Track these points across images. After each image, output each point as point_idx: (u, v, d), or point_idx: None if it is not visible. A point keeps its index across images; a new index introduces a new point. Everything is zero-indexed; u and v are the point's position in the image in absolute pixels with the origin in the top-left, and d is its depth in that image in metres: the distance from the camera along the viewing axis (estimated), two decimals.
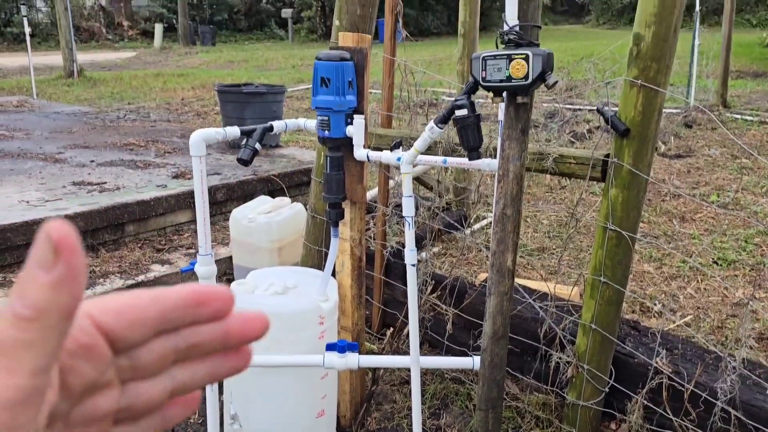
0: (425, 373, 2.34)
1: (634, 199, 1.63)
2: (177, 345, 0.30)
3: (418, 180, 3.52)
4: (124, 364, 0.29)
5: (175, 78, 11.82)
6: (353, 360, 1.81)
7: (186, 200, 3.55)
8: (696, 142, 5.69)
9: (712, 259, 3.22)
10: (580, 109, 6.53)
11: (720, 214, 3.84)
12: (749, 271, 3.08)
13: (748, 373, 1.67)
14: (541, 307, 2.11)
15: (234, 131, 1.80)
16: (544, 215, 4.04)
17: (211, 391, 1.83)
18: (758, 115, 6.67)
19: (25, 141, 5.11)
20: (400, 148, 1.77)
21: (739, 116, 6.60)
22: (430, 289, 2.44)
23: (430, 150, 2.19)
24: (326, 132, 1.82)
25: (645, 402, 1.79)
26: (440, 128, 1.59)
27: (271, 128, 1.92)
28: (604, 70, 2.06)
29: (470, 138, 1.53)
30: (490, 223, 3.93)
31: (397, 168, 1.75)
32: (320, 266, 2.45)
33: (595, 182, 4.41)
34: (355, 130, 1.82)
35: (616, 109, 1.66)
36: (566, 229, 3.74)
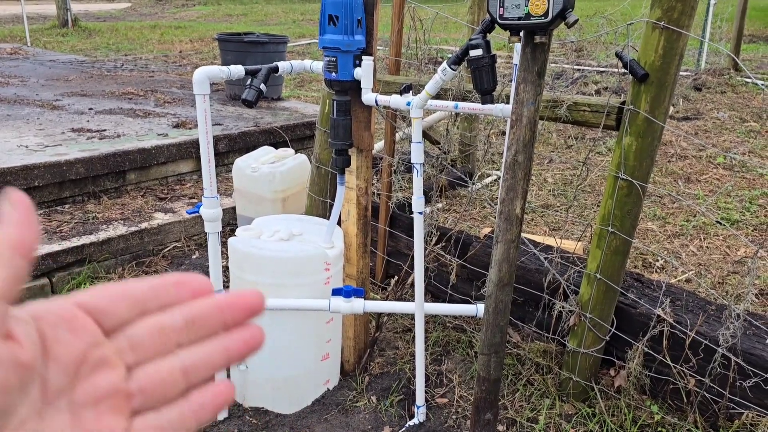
0: (427, 321, 2.36)
1: (648, 147, 1.61)
2: (171, 322, 0.30)
3: (424, 135, 3.47)
4: (123, 345, 0.29)
5: (172, 30, 11.56)
6: (359, 305, 1.82)
7: (188, 150, 3.51)
8: (705, 105, 5.63)
9: (716, 218, 3.22)
10: (588, 70, 6.41)
11: (726, 176, 3.82)
12: (752, 230, 3.09)
13: (752, 320, 1.69)
14: (545, 258, 2.11)
15: (238, 70, 1.76)
16: (549, 173, 4.01)
17: None
18: None
19: (21, 88, 5.01)
20: (410, 92, 1.73)
21: (750, 80, 6.50)
22: (434, 240, 2.44)
23: (438, 98, 2.15)
24: (333, 74, 1.78)
25: (645, 349, 1.81)
26: (453, 69, 1.55)
27: (276, 69, 1.87)
28: (617, 26, 2.00)
29: (484, 80, 1.49)
30: (495, 180, 3.91)
31: (405, 116, 1.72)
32: (325, 217, 2.44)
33: (601, 142, 4.37)
34: (364, 73, 1.77)
35: (633, 60, 1.62)
36: (571, 188, 3.72)
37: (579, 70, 6.33)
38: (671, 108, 5.47)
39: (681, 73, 6.87)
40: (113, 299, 0.29)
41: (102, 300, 0.28)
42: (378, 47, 1.93)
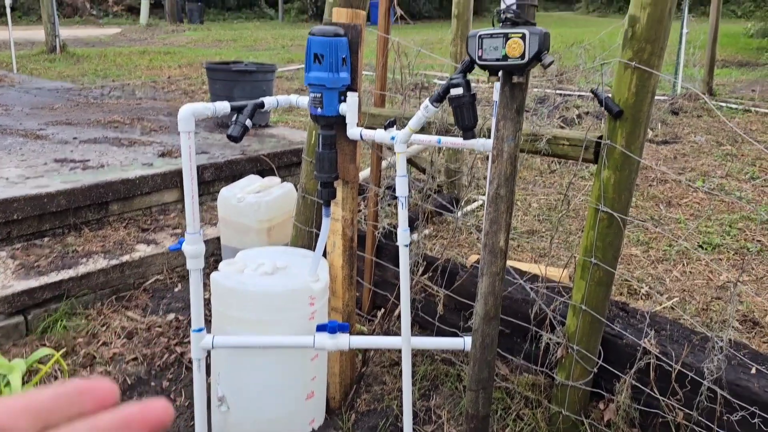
0: (415, 354, 2.34)
1: (626, 180, 1.63)
2: None
3: (410, 162, 3.49)
4: None
5: (161, 56, 11.59)
6: (344, 341, 1.80)
7: (173, 179, 3.50)
8: (682, 129, 5.74)
9: (698, 243, 3.26)
10: (570, 95, 6.52)
11: (705, 200, 3.87)
12: (733, 254, 3.12)
13: (734, 353, 1.70)
14: (531, 289, 2.12)
15: (224, 106, 1.76)
16: (534, 198, 4.04)
17: (198, 372, 1.81)
18: (742, 104, 6.75)
19: (4, 117, 4.98)
20: (394, 126, 1.75)
21: (724, 104, 6.66)
22: (421, 270, 2.44)
23: (423, 130, 2.16)
24: (319, 109, 1.79)
25: (633, 382, 1.81)
26: (435, 107, 1.56)
27: (262, 104, 1.88)
28: (595, 56, 2.04)
29: (465, 117, 1.51)
30: (481, 205, 3.93)
31: (391, 148, 1.73)
32: (310, 247, 2.43)
33: (585, 167, 4.43)
34: (349, 108, 1.79)
35: (610, 94, 1.65)
36: (556, 213, 3.75)
37: (561, 95, 6.43)
38: (650, 132, 5.57)
39: (658, 97, 7.03)
40: (14, 414, 0.28)
41: (2, 416, 0.28)
42: (364, 71, 1.95)
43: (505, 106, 1.47)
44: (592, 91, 1.60)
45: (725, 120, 2.10)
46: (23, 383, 1.82)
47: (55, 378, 2.22)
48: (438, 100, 1.55)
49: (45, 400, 0.29)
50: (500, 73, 1.41)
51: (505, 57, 1.32)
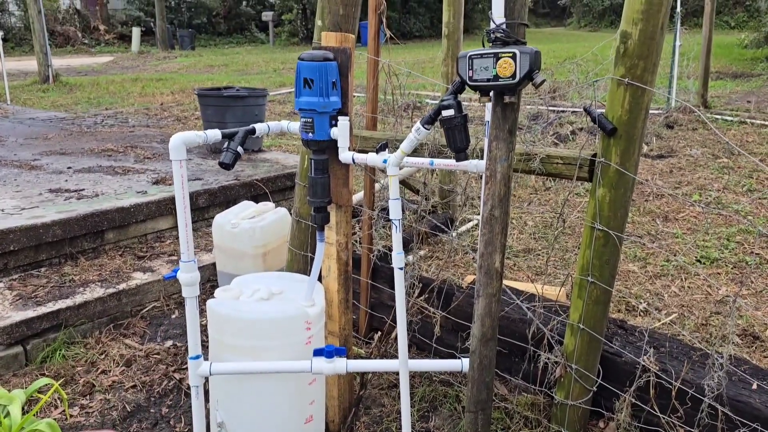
0: (414, 376, 2.31)
1: (621, 198, 1.63)
2: None
3: (403, 183, 3.50)
4: None
5: (153, 83, 11.67)
6: (341, 365, 1.78)
7: (167, 206, 3.49)
8: (677, 142, 5.78)
9: (695, 257, 3.26)
10: (563, 111, 6.58)
11: (702, 213, 3.88)
12: (731, 268, 3.12)
13: (735, 369, 1.68)
14: (528, 308, 2.10)
15: (215, 134, 1.77)
16: (530, 217, 4.05)
17: (196, 399, 1.79)
18: (738, 116, 6.79)
19: None
20: (386, 150, 1.76)
21: (719, 117, 6.71)
22: (417, 292, 2.42)
23: (416, 152, 2.17)
24: (310, 134, 1.80)
25: (633, 400, 1.79)
26: (427, 129, 1.57)
27: (253, 131, 1.88)
28: (587, 71, 2.07)
29: (457, 139, 1.51)
30: (476, 225, 3.93)
31: (383, 171, 1.73)
32: (306, 271, 2.42)
33: (580, 184, 4.45)
34: (340, 132, 1.80)
35: (603, 110, 1.66)
36: (551, 231, 3.75)
37: (554, 111, 6.49)
38: (645, 147, 5.61)
39: (652, 111, 7.09)
40: None
41: None
42: (355, 93, 1.96)
43: (497, 126, 1.48)
44: (585, 109, 1.61)
45: (720, 134, 2.12)
46: (23, 413, 1.79)
47: (55, 407, 2.19)
48: (429, 122, 1.56)
49: None
50: (491, 94, 1.42)
51: (496, 77, 1.33)
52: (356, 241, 2.71)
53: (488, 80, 1.36)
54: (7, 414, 1.77)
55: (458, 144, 1.51)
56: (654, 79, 1.55)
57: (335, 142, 1.82)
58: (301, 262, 2.53)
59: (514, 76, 1.32)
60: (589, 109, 1.60)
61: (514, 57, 1.31)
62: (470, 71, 1.38)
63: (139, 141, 5.44)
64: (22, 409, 1.82)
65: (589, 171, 1.70)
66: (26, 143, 5.25)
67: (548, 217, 4.01)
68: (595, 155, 1.68)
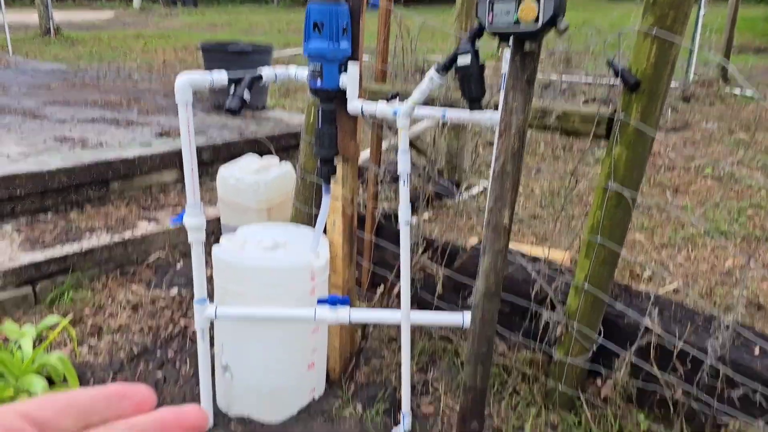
0: (413, 331, 2.33)
1: (638, 157, 1.60)
2: None
3: (411, 145, 3.46)
4: None
5: (156, 39, 11.48)
6: (344, 314, 1.78)
7: (171, 159, 3.46)
8: (693, 116, 5.68)
9: (704, 229, 3.23)
10: (576, 82, 6.46)
11: (714, 187, 3.84)
12: (740, 241, 3.10)
13: (742, 328, 1.68)
14: (533, 269, 2.10)
15: (221, 77, 1.73)
16: (537, 184, 4.02)
17: (202, 341, 1.80)
18: (758, 90, 6.60)
19: (2, 96, 4.93)
20: (397, 100, 1.71)
21: (738, 92, 6.57)
22: (421, 250, 2.42)
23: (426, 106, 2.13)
24: (318, 82, 1.75)
25: (632, 360, 1.80)
26: (441, 77, 1.53)
27: (260, 77, 1.84)
28: (605, 38, 2.00)
29: (472, 88, 1.47)
30: (482, 191, 3.90)
31: (392, 126, 1.70)
32: (310, 227, 2.40)
33: (591, 153, 4.39)
34: (349, 80, 1.75)
35: (624, 68, 1.61)
36: (558, 199, 3.72)
37: (567, 81, 6.37)
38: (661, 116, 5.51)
39: (672, 79, 6.94)
40: (59, 411, 0.29)
41: (48, 412, 0.28)
42: (364, 57, 1.91)
43: (515, 76, 1.44)
44: (608, 62, 1.56)
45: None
46: (34, 348, 1.82)
47: (65, 345, 2.22)
48: (444, 69, 1.51)
49: (87, 401, 0.30)
50: (511, 41, 1.37)
51: (518, 22, 1.28)
52: (360, 201, 2.69)
53: (509, 25, 1.31)
54: (19, 347, 1.80)
55: (473, 93, 1.47)
56: (684, 31, 1.49)
57: (344, 91, 1.77)
58: (305, 218, 2.51)
59: (537, 20, 1.27)
60: (613, 62, 1.55)
61: (538, 0, 1.25)
62: (490, 15, 1.33)
63: (142, 95, 5.37)
64: (33, 344, 1.85)
65: (606, 128, 1.66)
66: (30, 93, 5.19)
67: (556, 185, 3.98)
68: (614, 112, 1.63)
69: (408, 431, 1.85)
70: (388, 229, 2.63)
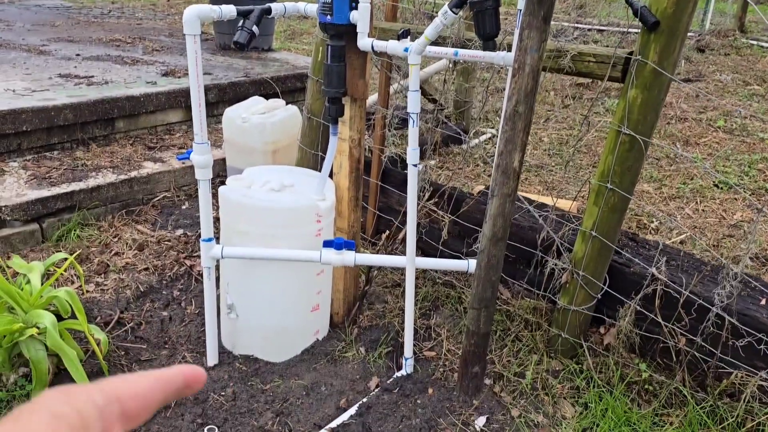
0: (417, 277, 2.34)
1: (654, 100, 1.56)
2: None
3: (420, 88, 3.40)
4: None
5: None
6: (350, 257, 1.79)
7: (177, 99, 3.41)
8: (707, 67, 5.52)
9: (713, 182, 3.20)
10: (588, 29, 6.27)
11: (725, 139, 3.77)
12: (750, 194, 3.07)
13: (750, 279, 1.67)
14: (539, 216, 2.09)
15: (230, 9, 1.67)
16: (545, 132, 3.95)
17: (208, 280, 1.82)
18: None
19: (6, 32, 4.83)
20: (408, 38, 1.66)
21: (755, 42, 6.37)
22: (427, 195, 2.40)
23: (437, 45, 2.06)
24: (328, 17, 1.70)
25: (637, 308, 1.80)
26: (455, 13, 1.47)
27: (269, 10, 1.78)
28: None
29: (487, 24, 1.42)
30: (490, 138, 3.85)
31: (401, 67, 1.65)
32: (316, 170, 2.39)
33: (600, 102, 4.30)
34: (360, 16, 1.69)
35: (644, 7, 1.54)
36: (567, 148, 3.67)
37: (579, 28, 6.18)
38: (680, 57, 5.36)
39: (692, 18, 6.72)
40: (144, 410, 0.33)
41: (139, 413, 0.33)
42: None
43: (531, 12, 1.38)
44: (627, 1, 1.49)
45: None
46: (42, 284, 1.85)
47: (72, 282, 2.25)
48: (458, 5, 1.46)
49: (172, 389, 0.35)
50: None
51: None
52: (366, 146, 2.66)
53: None
54: (28, 282, 1.82)
55: (488, 30, 1.42)
56: None
57: (354, 27, 1.72)
58: (311, 160, 2.49)
59: None
60: (631, 0, 1.48)
61: None
62: None
63: (147, 33, 5.26)
64: (41, 280, 1.87)
65: (622, 71, 1.61)
66: (34, 29, 5.08)
67: (564, 134, 3.92)
68: (631, 53, 1.58)
69: (410, 374, 1.89)
70: (394, 174, 2.61)
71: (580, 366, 1.90)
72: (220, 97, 3.66)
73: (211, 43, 4.91)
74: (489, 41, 1.44)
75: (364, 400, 1.77)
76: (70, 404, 0.30)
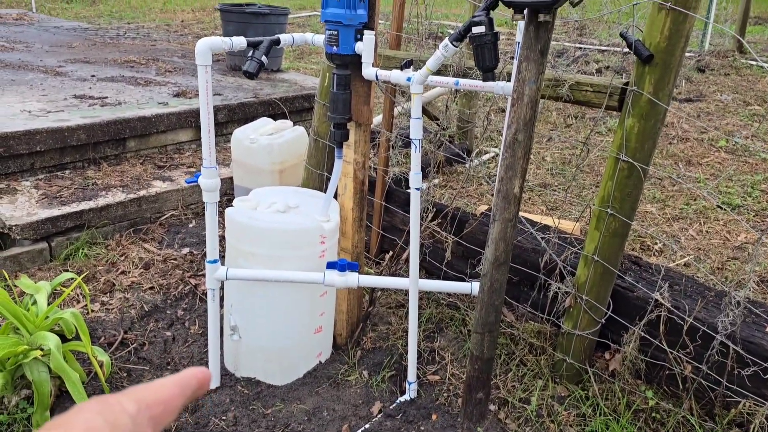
0: (421, 298, 2.37)
1: (650, 129, 1.59)
2: None
3: (423, 110, 3.44)
4: None
5: None
6: (353, 279, 1.82)
7: (187, 119, 3.49)
8: (708, 87, 5.55)
9: (717, 203, 3.20)
10: (589, 49, 6.32)
11: (727, 160, 3.78)
12: (753, 216, 3.07)
13: (752, 307, 1.68)
14: (542, 238, 2.11)
15: (240, 41, 1.73)
16: (548, 152, 3.98)
17: (212, 301, 1.85)
18: None
19: (25, 53, 4.96)
20: (411, 67, 1.71)
21: (754, 63, 6.40)
22: (431, 216, 2.43)
23: (439, 75, 2.11)
24: (334, 48, 1.75)
25: (641, 334, 1.81)
26: (455, 46, 1.52)
27: (278, 41, 1.84)
28: (620, 7, 1.96)
29: (486, 57, 1.46)
30: (493, 157, 3.88)
31: (405, 92, 1.70)
32: (321, 190, 2.43)
33: (602, 123, 4.33)
34: (365, 47, 1.75)
35: (638, 41, 1.58)
36: (569, 167, 3.70)
37: (581, 48, 6.23)
38: (674, 90, 5.39)
39: (685, 52, 6.76)
40: (168, 416, 0.36)
41: (163, 417, 0.36)
42: (379, 21, 1.90)
43: (529, 47, 1.42)
44: (621, 35, 1.53)
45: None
46: (48, 304, 1.88)
47: (78, 302, 2.30)
48: (458, 39, 1.50)
49: (189, 394, 0.39)
50: (525, 12, 1.35)
51: None
52: (371, 165, 2.70)
53: None
54: (34, 302, 1.86)
55: (487, 62, 1.46)
56: (698, 6, 1.46)
57: (359, 57, 1.77)
58: (317, 180, 2.54)
59: None
60: (626, 34, 1.53)
61: None
62: None
63: (160, 54, 5.37)
64: (47, 300, 1.91)
65: (619, 100, 1.65)
66: (51, 50, 5.21)
67: (567, 154, 3.94)
68: (627, 84, 1.62)
69: (413, 399, 1.90)
70: (398, 194, 2.65)
71: (585, 392, 1.88)
72: (230, 117, 3.73)
73: (222, 63, 5.01)
74: (488, 73, 1.48)
75: (367, 426, 1.78)
76: (105, 416, 0.31)
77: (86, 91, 3.75)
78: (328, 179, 2.21)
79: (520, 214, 2.51)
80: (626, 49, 1.56)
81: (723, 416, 1.72)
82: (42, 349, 1.68)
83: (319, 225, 1.88)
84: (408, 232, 2.04)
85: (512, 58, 1.87)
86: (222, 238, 2.48)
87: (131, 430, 0.32)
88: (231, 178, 3.09)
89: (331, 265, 1.83)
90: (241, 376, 1.97)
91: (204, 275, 2.43)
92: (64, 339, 1.79)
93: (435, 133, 2.93)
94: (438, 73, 1.81)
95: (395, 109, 2.64)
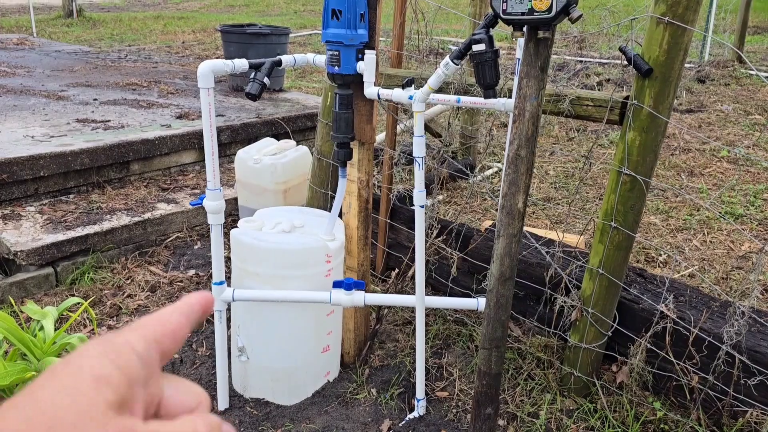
0: (428, 314, 2.36)
1: (651, 142, 1.60)
2: None
3: (426, 127, 3.47)
4: None
5: (175, 21, 11.53)
6: (359, 297, 1.83)
7: (190, 141, 3.51)
8: (708, 97, 5.58)
9: (720, 213, 3.21)
10: (590, 62, 6.37)
11: (729, 170, 3.79)
12: (756, 225, 3.07)
13: (756, 317, 1.68)
14: (547, 252, 2.11)
15: (242, 63, 1.75)
16: (551, 166, 4.00)
17: (219, 323, 1.85)
18: None
19: (27, 78, 5.02)
20: (412, 86, 1.73)
21: (754, 73, 6.45)
22: (435, 233, 2.44)
23: (441, 92, 2.14)
24: (336, 68, 1.77)
25: (648, 345, 1.81)
26: (456, 64, 1.54)
27: (279, 62, 1.87)
28: (619, 20, 1.99)
29: (487, 75, 1.48)
30: (496, 172, 3.90)
31: (407, 110, 1.72)
32: (325, 209, 2.44)
33: (604, 135, 4.35)
34: (366, 66, 1.77)
35: (637, 55, 1.60)
36: (572, 181, 3.71)
37: (581, 61, 6.29)
38: (674, 100, 5.42)
39: (685, 64, 6.82)
40: (176, 345, 0.34)
41: (172, 346, 0.34)
42: (380, 38, 1.93)
43: (529, 63, 1.44)
44: (620, 49, 1.56)
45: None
46: (55, 329, 1.88)
47: (84, 326, 2.29)
48: (459, 57, 1.52)
49: (194, 319, 0.37)
50: (525, 29, 1.37)
51: (531, 11, 1.29)
52: (376, 182, 2.72)
53: (523, 14, 1.32)
54: (41, 328, 1.87)
55: (488, 80, 1.48)
56: (696, 19, 1.48)
57: (361, 76, 1.79)
58: (321, 199, 2.55)
59: (550, 9, 1.28)
60: (625, 48, 1.55)
61: None
62: (504, 4, 1.34)
63: (162, 76, 5.42)
64: (54, 325, 1.91)
65: (620, 114, 1.66)
66: (53, 75, 5.27)
67: (570, 167, 3.96)
68: (627, 98, 1.63)
69: (422, 416, 1.89)
70: (402, 211, 2.66)
71: (594, 405, 1.89)
72: (233, 138, 3.75)
73: (224, 84, 5.06)
74: (489, 90, 1.50)
75: None
76: (113, 361, 0.28)
77: (89, 115, 3.79)
78: (333, 198, 2.22)
79: (525, 228, 2.52)
80: (625, 62, 1.57)
81: (731, 426, 1.72)
82: None
83: (325, 244, 1.89)
84: (413, 249, 2.05)
85: (513, 74, 1.89)
86: (228, 259, 2.49)
87: (140, 370, 0.29)
88: (235, 199, 3.11)
89: (337, 284, 1.83)
90: (250, 397, 1.97)
91: None
92: None
93: (438, 149, 2.95)
94: (439, 90, 1.84)
95: (398, 126, 2.67)
